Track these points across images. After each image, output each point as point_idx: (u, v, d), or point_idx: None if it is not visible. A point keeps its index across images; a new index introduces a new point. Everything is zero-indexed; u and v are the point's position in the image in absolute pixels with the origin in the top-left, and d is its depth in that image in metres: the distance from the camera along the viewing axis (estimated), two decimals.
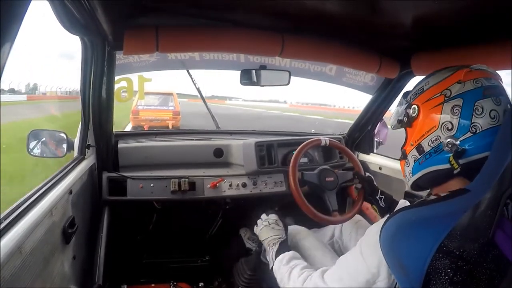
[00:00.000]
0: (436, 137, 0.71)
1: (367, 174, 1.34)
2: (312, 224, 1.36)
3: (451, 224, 0.64)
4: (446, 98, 0.70)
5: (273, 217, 1.25)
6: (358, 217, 1.35)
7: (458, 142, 0.68)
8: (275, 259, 1.08)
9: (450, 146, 0.68)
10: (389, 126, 0.93)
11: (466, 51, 1.08)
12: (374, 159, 1.79)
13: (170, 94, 9.03)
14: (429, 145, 0.72)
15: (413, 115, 0.75)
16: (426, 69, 1.28)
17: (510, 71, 1.01)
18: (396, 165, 1.63)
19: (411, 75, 1.44)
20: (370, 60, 1.32)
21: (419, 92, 0.76)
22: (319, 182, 1.30)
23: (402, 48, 1.27)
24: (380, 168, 1.72)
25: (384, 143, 1.87)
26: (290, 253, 1.08)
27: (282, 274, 1.02)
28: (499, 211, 0.64)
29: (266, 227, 1.22)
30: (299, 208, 1.24)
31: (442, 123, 0.70)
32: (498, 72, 0.76)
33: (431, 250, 0.63)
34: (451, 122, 0.69)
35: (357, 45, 1.26)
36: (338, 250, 1.35)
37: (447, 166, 0.70)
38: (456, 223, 0.64)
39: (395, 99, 1.66)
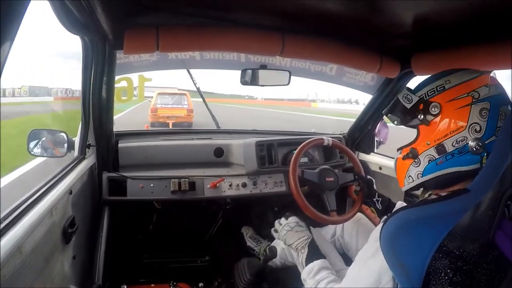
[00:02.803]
0: (463, 138, 0.70)
1: (368, 177, 1.34)
2: (313, 224, 1.36)
3: (451, 224, 0.64)
4: (474, 100, 0.69)
5: (293, 219, 1.20)
6: (359, 215, 1.35)
7: (484, 144, 0.68)
8: (305, 267, 1.05)
9: (478, 147, 0.68)
10: (391, 123, 0.92)
11: (466, 51, 1.08)
12: (374, 159, 1.79)
13: (184, 94, 10.27)
14: (453, 146, 0.71)
15: (434, 113, 0.73)
16: (427, 69, 1.28)
17: (510, 71, 1.00)
18: None
19: (411, 74, 1.44)
20: (371, 60, 1.32)
21: (439, 90, 0.74)
22: (319, 182, 1.30)
23: (402, 48, 1.27)
24: (380, 168, 1.72)
25: (385, 142, 1.87)
26: (319, 262, 1.03)
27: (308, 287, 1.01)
28: (499, 211, 0.64)
29: (290, 232, 1.16)
30: (299, 208, 1.24)
31: (470, 125, 0.69)
32: (498, 72, 0.76)
33: (431, 250, 0.63)
34: (479, 124, 0.68)
35: (358, 44, 1.26)
36: (339, 248, 1.36)
37: (471, 167, 0.69)
38: (456, 223, 0.64)
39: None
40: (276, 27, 1.12)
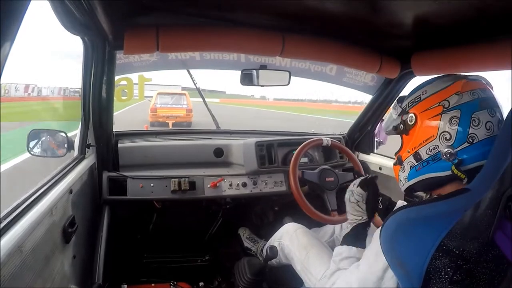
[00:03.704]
0: (434, 146, 0.73)
1: (368, 175, 1.34)
2: (312, 223, 1.36)
3: (451, 223, 0.64)
4: (444, 109, 0.72)
5: (359, 192, 1.05)
6: None
7: (456, 152, 0.70)
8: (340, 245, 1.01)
9: (448, 155, 0.71)
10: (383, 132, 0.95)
11: (466, 51, 1.08)
12: (374, 159, 1.79)
13: (183, 94, 10.58)
14: (427, 154, 0.75)
15: (410, 123, 0.78)
16: (427, 69, 1.28)
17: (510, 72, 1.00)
18: None
19: (411, 75, 1.44)
20: (371, 60, 1.32)
21: (416, 101, 0.78)
22: (319, 182, 1.30)
23: (402, 48, 1.27)
24: (380, 168, 1.72)
25: (385, 143, 1.87)
26: (350, 250, 0.97)
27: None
28: (499, 211, 0.64)
29: (352, 204, 1.05)
30: (299, 207, 1.24)
31: (441, 133, 0.72)
32: (498, 72, 0.77)
33: (431, 249, 0.64)
34: (449, 133, 0.71)
35: (358, 44, 1.26)
36: None
37: (444, 173, 0.73)
38: (456, 222, 0.64)
39: (395, 99, 1.65)
40: (276, 27, 1.12)
